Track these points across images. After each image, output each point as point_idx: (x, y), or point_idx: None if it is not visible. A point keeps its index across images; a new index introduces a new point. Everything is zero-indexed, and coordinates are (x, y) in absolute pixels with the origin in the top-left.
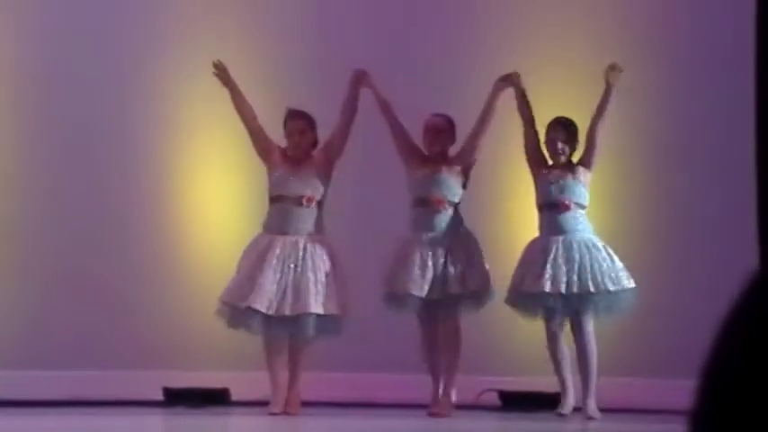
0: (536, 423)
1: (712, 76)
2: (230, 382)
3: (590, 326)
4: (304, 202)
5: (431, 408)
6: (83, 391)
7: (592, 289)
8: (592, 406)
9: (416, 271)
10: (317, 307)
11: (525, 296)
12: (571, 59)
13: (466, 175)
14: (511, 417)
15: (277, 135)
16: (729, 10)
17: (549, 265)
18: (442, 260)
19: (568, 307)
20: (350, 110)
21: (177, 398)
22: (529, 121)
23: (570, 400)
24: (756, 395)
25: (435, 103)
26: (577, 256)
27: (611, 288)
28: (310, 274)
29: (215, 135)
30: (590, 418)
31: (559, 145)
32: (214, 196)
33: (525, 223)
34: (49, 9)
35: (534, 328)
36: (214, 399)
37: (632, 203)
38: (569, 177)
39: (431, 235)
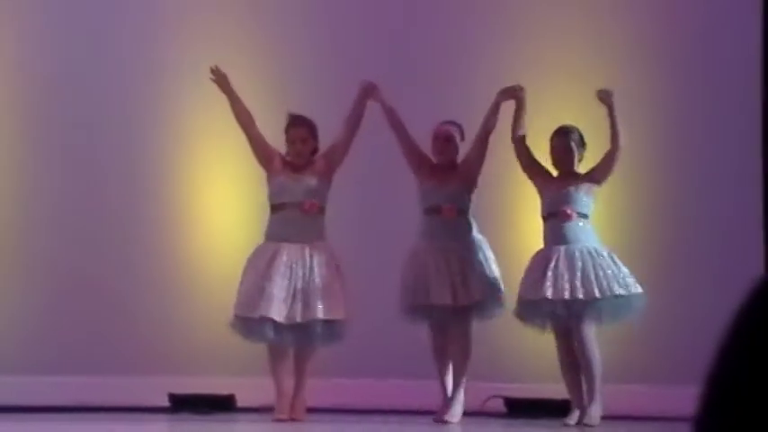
0: (541, 430)
1: (718, 84)
2: (236, 388)
3: (590, 332)
4: (307, 208)
5: (438, 414)
6: (88, 397)
7: (597, 295)
8: (592, 412)
9: (436, 280)
10: (326, 313)
11: (529, 305)
12: (571, 60)
13: (473, 181)
14: (516, 424)
15: (277, 139)
16: (735, 19)
17: (550, 273)
18: (454, 268)
19: (574, 313)
20: (355, 121)
21: (183, 404)
22: (519, 140)
23: (577, 412)
24: (761, 402)
25: (436, 106)
26: (580, 264)
27: (620, 292)
28: (318, 281)
29: (219, 139)
30: (585, 424)
31: (563, 153)
32: (219, 202)
33: (538, 233)
34: (49, 9)
35: (540, 334)
36: (220, 405)
37: (638, 211)
38: (571, 187)
39: (443, 243)
